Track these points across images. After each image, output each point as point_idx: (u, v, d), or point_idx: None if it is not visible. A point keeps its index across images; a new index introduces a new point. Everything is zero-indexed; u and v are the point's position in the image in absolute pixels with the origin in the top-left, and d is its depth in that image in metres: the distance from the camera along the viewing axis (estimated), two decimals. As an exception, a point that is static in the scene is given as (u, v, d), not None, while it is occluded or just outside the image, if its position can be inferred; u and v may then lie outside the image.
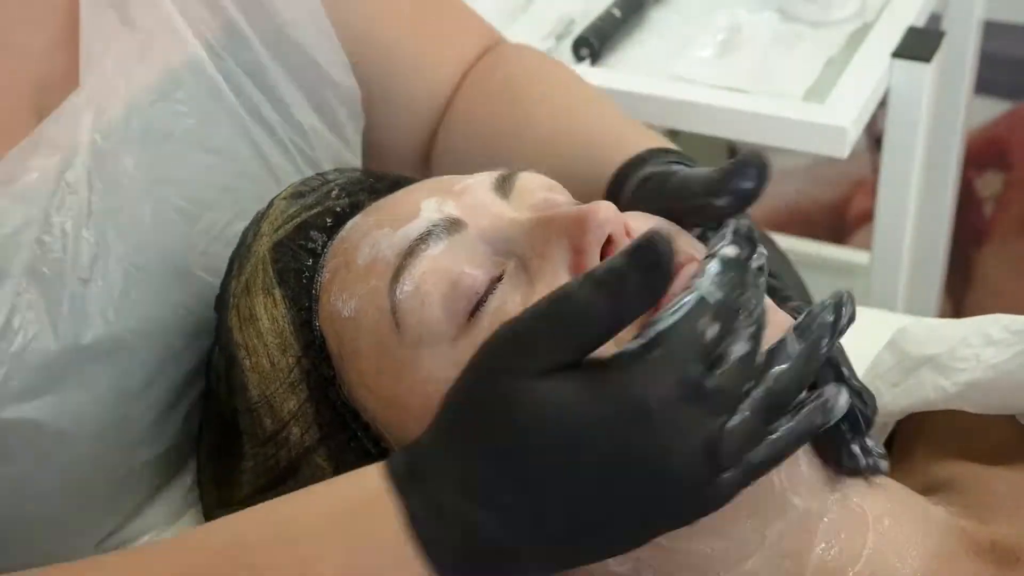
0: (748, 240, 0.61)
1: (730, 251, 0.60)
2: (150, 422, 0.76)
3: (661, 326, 0.57)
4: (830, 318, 0.61)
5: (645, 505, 0.57)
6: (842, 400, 0.60)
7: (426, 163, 0.96)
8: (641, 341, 0.57)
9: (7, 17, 0.74)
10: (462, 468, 0.58)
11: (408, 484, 0.58)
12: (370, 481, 0.59)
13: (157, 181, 0.77)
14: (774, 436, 0.59)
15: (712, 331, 0.57)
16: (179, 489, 0.82)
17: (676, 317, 0.57)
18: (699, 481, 0.57)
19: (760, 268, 0.62)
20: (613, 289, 0.56)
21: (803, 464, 0.67)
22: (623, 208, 0.70)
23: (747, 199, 0.67)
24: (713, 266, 0.59)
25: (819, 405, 0.60)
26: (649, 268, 0.56)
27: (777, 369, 0.59)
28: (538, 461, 0.57)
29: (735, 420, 0.58)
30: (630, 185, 0.76)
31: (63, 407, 0.71)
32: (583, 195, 0.73)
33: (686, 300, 0.58)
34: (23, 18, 0.75)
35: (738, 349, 0.58)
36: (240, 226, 0.78)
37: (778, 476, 0.65)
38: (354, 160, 0.91)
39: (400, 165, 0.95)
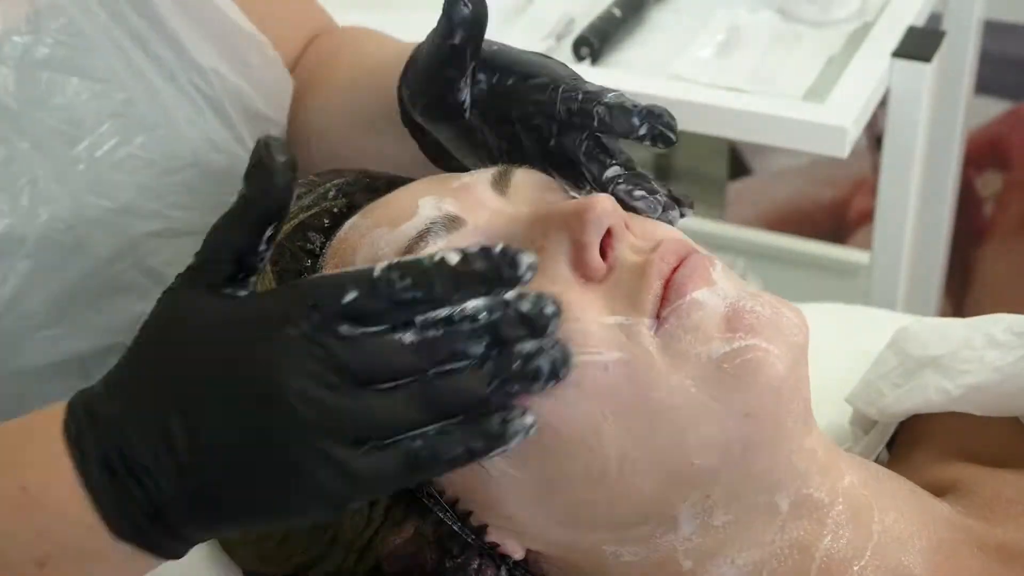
0: (495, 273, 0.55)
1: (451, 256, 0.55)
2: (24, 333, 0.77)
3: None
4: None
5: (260, 444, 0.55)
6: (524, 423, 0.56)
7: None
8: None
9: None
10: (113, 372, 0.59)
11: (78, 397, 0.59)
12: (54, 406, 0.60)
13: (32, 104, 0.78)
14: (431, 436, 0.55)
15: (352, 294, 0.55)
16: None
17: (333, 271, 0.57)
18: (312, 431, 0.54)
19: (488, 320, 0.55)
20: (239, 199, 0.58)
21: (819, 449, 0.67)
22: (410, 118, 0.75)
23: (469, 24, 0.71)
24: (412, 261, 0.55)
25: (488, 428, 0.55)
26: (259, 152, 0.57)
27: (448, 368, 0.55)
28: (164, 364, 0.57)
29: (377, 398, 0.55)
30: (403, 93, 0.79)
31: None
32: (381, 126, 0.81)
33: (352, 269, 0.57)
34: None
35: (398, 334, 0.55)
36: (128, 150, 0.80)
37: (793, 457, 0.65)
38: (265, 108, 0.91)
39: None
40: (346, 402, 0.54)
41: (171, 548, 0.59)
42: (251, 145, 0.89)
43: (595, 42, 1.32)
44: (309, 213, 0.74)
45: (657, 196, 0.69)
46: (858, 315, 1.06)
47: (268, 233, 0.59)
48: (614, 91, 0.72)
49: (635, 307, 0.63)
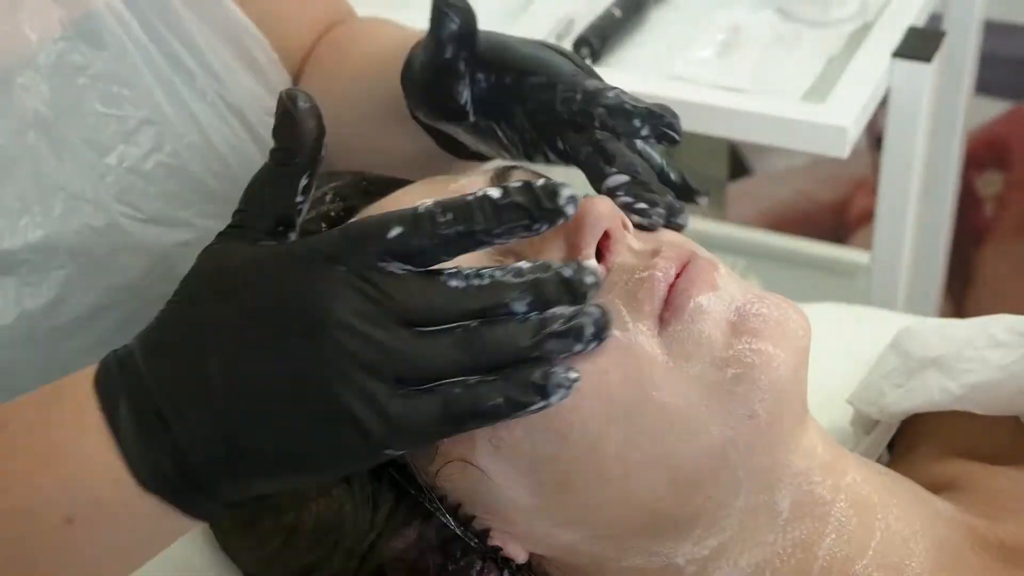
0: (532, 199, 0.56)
1: (493, 192, 0.56)
2: (58, 343, 0.78)
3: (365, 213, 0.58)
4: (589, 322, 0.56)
5: (301, 378, 0.54)
6: (568, 376, 0.55)
7: None
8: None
9: None
10: (151, 325, 0.59)
11: (111, 354, 0.59)
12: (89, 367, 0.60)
13: (65, 112, 0.78)
14: (472, 385, 0.55)
15: (396, 230, 0.55)
16: None
17: (379, 217, 0.57)
18: (355, 366, 0.54)
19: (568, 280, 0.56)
20: (273, 154, 0.60)
21: (818, 446, 0.67)
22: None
23: (457, 37, 0.70)
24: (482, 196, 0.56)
25: (534, 382, 0.55)
26: (290, 124, 0.59)
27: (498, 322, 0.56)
28: (201, 306, 0.57)
29: (422, 339, 0.55)
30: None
31: None
32: (392, 121, 0.80)
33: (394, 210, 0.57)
34: None
35: (443, 278, 0.56)
36: (158, 158, 0.81)
37: (792, 456, 0.65)
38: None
39: None
40: (391, 340, 0.54)
41: (201, 506, 0.57)
42: None
43: (595, 42, 1.32)
44: (305, 218, 0.74)
45: (658, 208, 0.68)
46: (858, 315, 1.06)
47: (303, 183, 0.60)
48: (614, 89, 0.70)
49: (636, 312, 0.63)
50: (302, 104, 0.59)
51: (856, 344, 0.93)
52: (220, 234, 0.60)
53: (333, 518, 0.68)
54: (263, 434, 0.55)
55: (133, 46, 0.82)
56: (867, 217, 1.94)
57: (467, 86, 0.74)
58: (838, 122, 1.21)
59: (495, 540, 0.67)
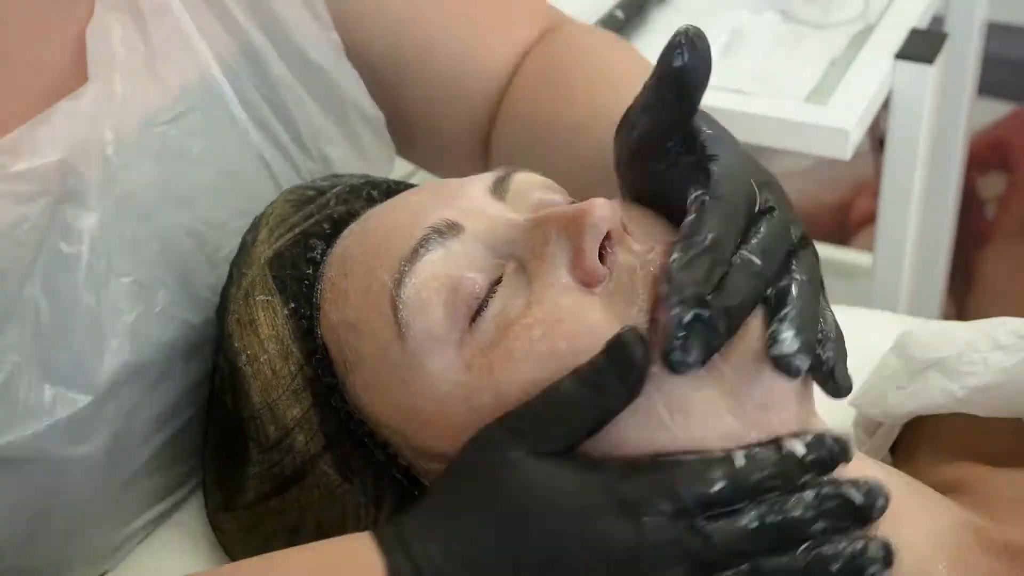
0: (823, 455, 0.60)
1: (798, 448, 0.59)
2: (146, 436, 0.76)
3: (674, 457, 0.59)
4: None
5: None
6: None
7: (485, 150, 0.93)
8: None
9: (19, 33, 0.73)
10: (444, 532, 0.59)
11: (393, 542, 0.59)
12: (359, 539, 0.61)
13: (168, 201, 0.76)
14: None
15: (719, 486, 0.58)
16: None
17: (688, 458, 0.59)
18: None
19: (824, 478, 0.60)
20: (593, 384, 0.59)
21: None
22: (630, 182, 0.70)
23: (684, 80, 0.63)
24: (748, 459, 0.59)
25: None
26: (623, 367, 0.59)
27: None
28: (516, 533, 0.58)
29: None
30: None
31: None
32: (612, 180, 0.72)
33: (711, 456, 0.59)
34: (35, 34, 0.74)
35: (744, 520, 0.58)
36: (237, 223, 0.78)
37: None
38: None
39: (459, 154, 0.94)
40: None
41: None
42: None
43: (597, 44, 1.32)
44: (310, 221, 0.74)
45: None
46: (860, 317, 1.06)
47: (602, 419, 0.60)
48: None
49: (634, 309, 0.63)
50: (637, 352, 0.59)
51: (858, 346, 0.93)
52: (498, 439, 0.60)
53: (336, 519, 0.68)
54: None
55: (231, 127, 0.79)
56: (869, 219, 1.94)
57: (671, 168, 0.66)
58: (840, 124, 1.21)
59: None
